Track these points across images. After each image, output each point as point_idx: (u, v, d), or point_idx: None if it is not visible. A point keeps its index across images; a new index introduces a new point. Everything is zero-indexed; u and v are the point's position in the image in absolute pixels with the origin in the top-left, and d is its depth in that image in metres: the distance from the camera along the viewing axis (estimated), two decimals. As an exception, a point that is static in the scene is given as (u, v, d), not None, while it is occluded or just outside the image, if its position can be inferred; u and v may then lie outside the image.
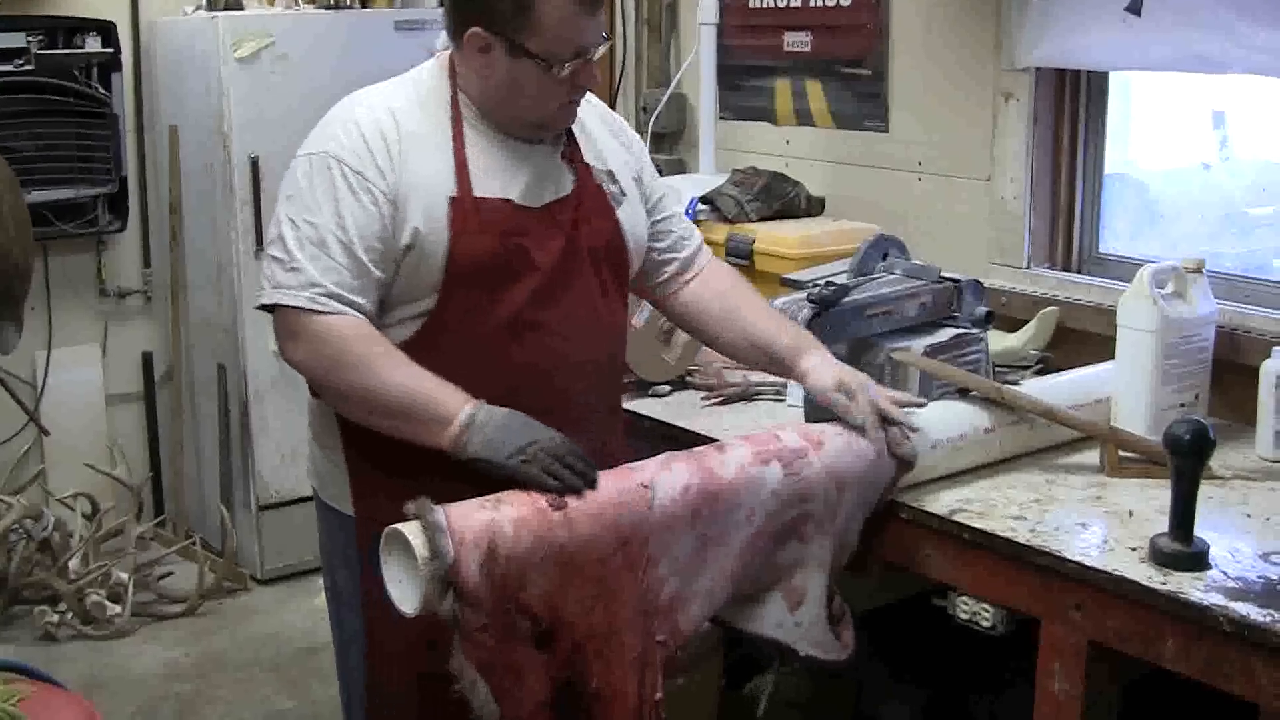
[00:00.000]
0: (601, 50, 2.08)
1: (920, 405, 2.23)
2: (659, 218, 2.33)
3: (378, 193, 2.02)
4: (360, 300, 2.02)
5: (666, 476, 1.94)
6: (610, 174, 2.21)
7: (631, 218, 2.23)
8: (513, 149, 2.12)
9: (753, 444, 2.04)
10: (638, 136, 2.38)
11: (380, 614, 2.03)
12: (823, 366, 2.19)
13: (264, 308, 2.06)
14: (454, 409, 1.95)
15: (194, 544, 4.41)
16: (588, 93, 2.22)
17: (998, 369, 2.67)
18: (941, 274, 2.53)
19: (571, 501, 1.86)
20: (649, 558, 1.91)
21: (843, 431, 2.10)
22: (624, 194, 2.22)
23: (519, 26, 2.00)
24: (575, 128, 2.19)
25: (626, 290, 2.26)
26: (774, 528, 2.02)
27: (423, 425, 1.97)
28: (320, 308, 1.99)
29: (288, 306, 2.01)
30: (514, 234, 2.08)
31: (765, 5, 3.51)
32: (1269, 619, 1.73)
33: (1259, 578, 1.86)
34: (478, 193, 2.07)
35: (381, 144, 2.05)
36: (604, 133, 2.27)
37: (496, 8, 2.00)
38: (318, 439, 2.24)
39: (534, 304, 2.09)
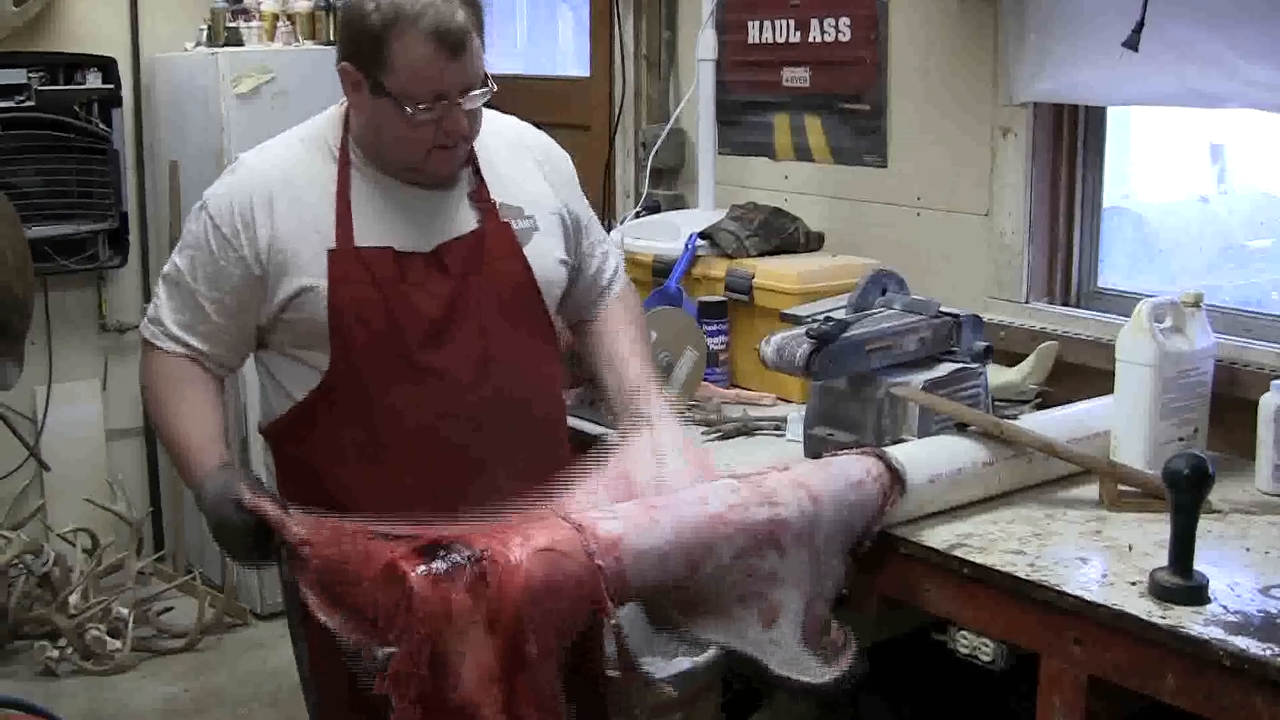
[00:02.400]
0: (476, 99, 2.06)
1: None
2: (585, 243, 2.35)
3: (242, 252, 2.11)
4: (195, 343, 2.16)
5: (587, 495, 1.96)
6: (519, 209, 2.21)
7: (543, 251, 2.22)
8: (403, 192, 2.13)
9: (697, 472, 2.07)
10: (565, 158, 2.37)
11: (320, 646, 2.05)
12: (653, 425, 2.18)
13: None
14: (198, 472, 2.08)
15: (194, 579, 4.41)
16: (508, 118, 2.27)
17: (997, 403, 2.65)
18: (940, 309, 2.52)
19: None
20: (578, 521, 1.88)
21: (811, 462, 2.09)
22: (536, 228, 2.22)
23: (376, 63, 2.02)
24: (485, 162, 2.20)
25: (548, 326, 2.26)
26: (745, 523, 1.96)
27: (183, 471, 2.14)
28: (156, 343, 2.19)
29: (142, 337, 2.23)
30: (395, 282, 2.10)
31: (764, 41, 3.52)
32: (1269, 653, 1.72)
33: (1259, 612, 1.85)
34: (360, 242, 2.10)
35: (263, 200, 2.11)
36: (520, 162, 2.26)
37: (359, 43, 2.03)
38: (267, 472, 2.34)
39: (424, 351, 2.11)
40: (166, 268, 2.22)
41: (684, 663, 2.41)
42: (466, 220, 2.17)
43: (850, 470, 2.09)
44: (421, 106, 2.02)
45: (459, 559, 1.76)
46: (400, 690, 1.75)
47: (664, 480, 2.03)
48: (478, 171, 2.20)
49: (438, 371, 2.12)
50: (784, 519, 1.99)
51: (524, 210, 2.22)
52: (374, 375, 2.11)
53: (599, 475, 2.04)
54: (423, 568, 1.75)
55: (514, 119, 2.35)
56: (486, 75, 2.09)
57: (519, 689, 1.78)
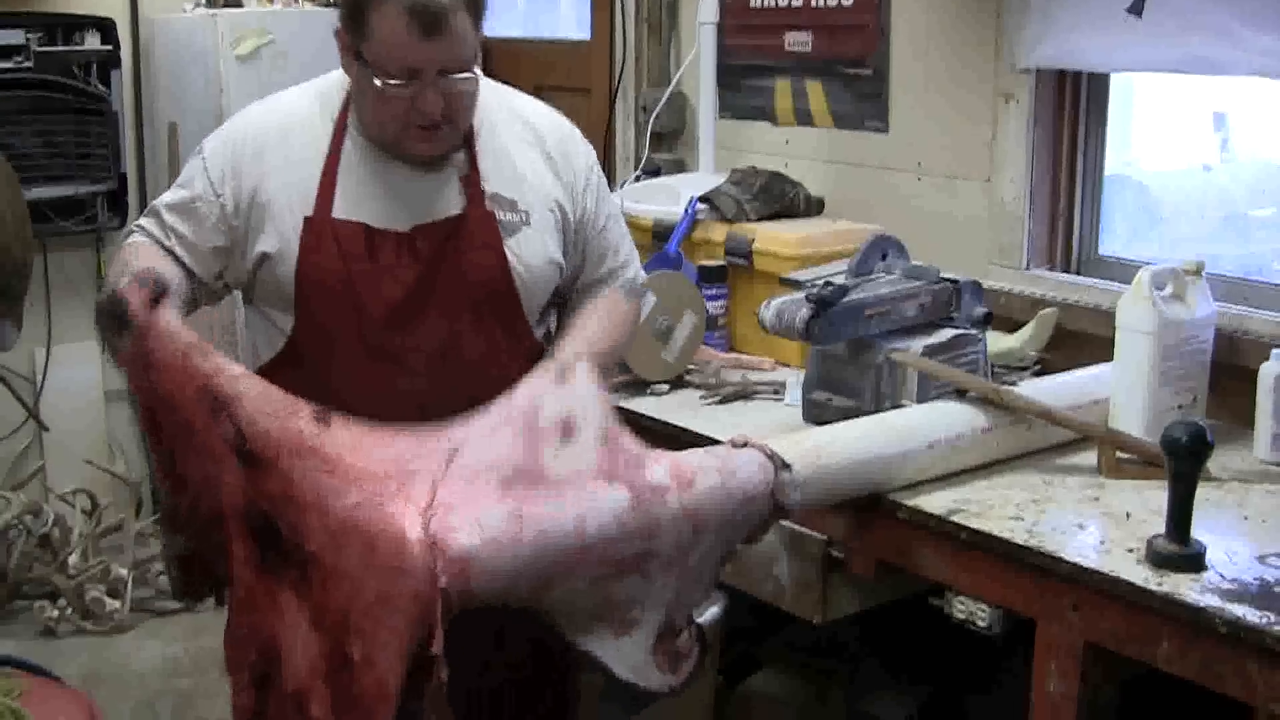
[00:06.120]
0: (455, 82, 2.00)
1: None
2: (591, 248, 2.25)
3: (224, 199, 2.09)
4: (164, 241, 2.12)
5: (483, 441, 1.82)
6: (512, 201, 2.13)
7: (529, 247, 2.14)
8: (392, 167, 2.09)
9: (605, 458, 1.86)
10: (584, 154, 2.26)
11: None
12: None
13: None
14: None
15: (192, 540, 4.41)
16: (534, 104, 2.21)
17: (996, 370, 2.66)
18: (940, 275, 2.52)
19: (336, 422, 1.79)
20: (435, 500, 1.74)
21: (723, 467, 1.95)
22: (526, 223, 2.14)
23: (358, 30, 1.98)
24: (486, 147, 2.13)
25: (522, 325, 2.17)
26: (613, 556, 1.82)
27: None
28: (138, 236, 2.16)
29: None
30: (362, 260, 2.06)
31: (766, 5, 3.50)
32: (1265, 621, 1.73)
33: (1255, 579, 1.85)
34: (337, 214, 2.07)
35: (256, 151, 2.09)
36: (528, 151, 2.18)
37: (344, 9, 2.01)
38: None
39: (383, 333, 2.08)
40: (154, 201, 2.19)
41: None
42: (451, 204, 2.11)
43: (748, 485, 1.95)
44: (393, 82, 1.97)
45: (286, 554, 1.74)
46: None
47: (561, 472, 1.83)
48: (473, 157, 2.13)
49: (394, 356, 2.08)
50: (653, 551, 1.86)
51: (517, 203, 2.14)
52: (331, 349, 2.08)
53: (503, 415, 1.86)
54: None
55: (539, 104, 2.27)
56: (474, 57, 2.02)
57: (343, 687, 1.73)
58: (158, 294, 1.86)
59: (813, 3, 3.38)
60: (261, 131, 2.12)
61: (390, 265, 2.08)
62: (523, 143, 2.18)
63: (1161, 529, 1.92)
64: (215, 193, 2.10)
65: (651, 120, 3.75)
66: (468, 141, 2.13)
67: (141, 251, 2.09)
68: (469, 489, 1.77)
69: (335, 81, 2.14)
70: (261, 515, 1.78)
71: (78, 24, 4.29)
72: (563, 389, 1.87)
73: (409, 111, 2.00)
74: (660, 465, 1.90)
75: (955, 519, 2.08)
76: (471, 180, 2.12)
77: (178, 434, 1.84)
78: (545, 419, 1.84)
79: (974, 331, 2.50)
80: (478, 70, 2.04)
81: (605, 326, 2.23)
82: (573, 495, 1.80)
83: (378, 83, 1.98)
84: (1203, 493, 1.95)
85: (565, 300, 2.29)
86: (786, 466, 1.98)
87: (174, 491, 1.90)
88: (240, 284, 2.18)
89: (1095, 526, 2.06)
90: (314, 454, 1.76)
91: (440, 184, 2.11)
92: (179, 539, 1.93)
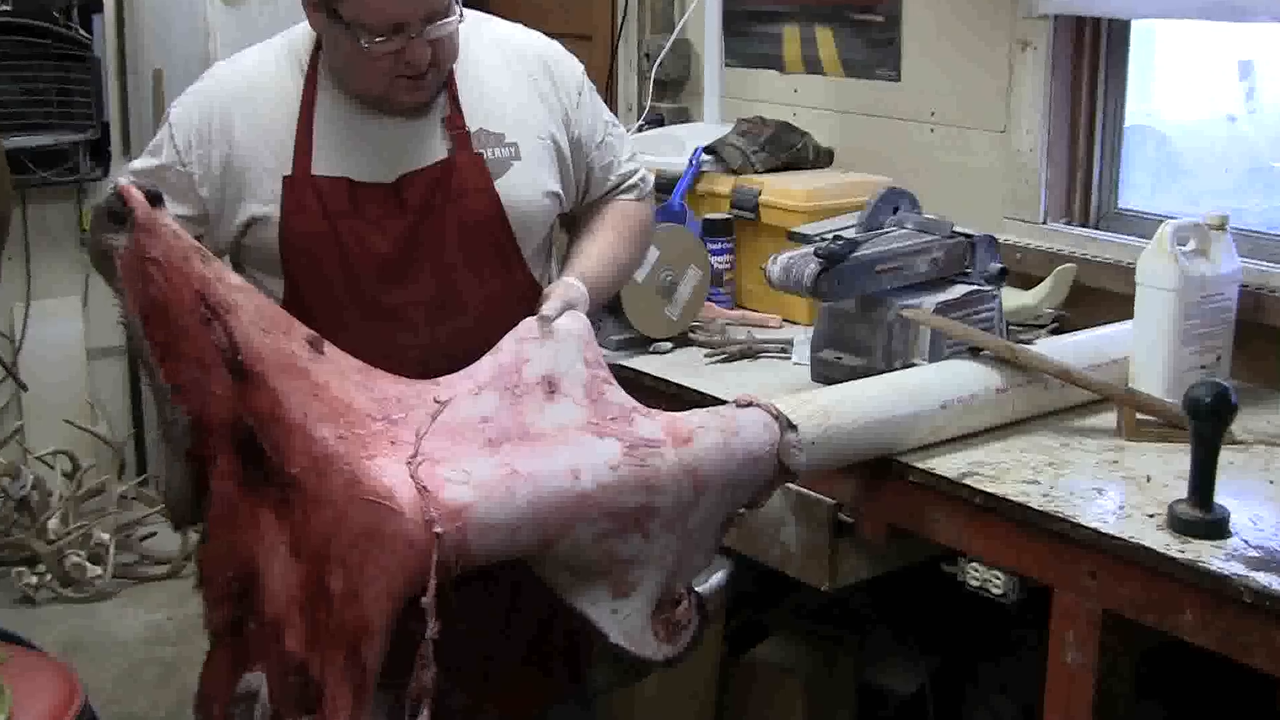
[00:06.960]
0: (440, 28, 1.96)
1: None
2: (599, 165, 2.24)
3: (191, 168, 2.06)
4: None
5: (469, 401, 1.84)
6: (499, 136, 2.10)
7: (522, 183, 2.11)
8: (369, 117, 2.06)
9: (592, 413, 1.88)
10: (573, 71, 2.23)
11: None
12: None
13: None
14: None
15: (178, 502, 4.38)
16: (512, 28, 2.18)
17: (1011, 327, 2.63)
18: (954, 229, 2.50)
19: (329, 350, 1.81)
20: (420, 450, 1.76)
21: (726, 427, 1.93)
22: (516, 158, 2.11)
23: None
24: (467, 82, 2.10)
25: (520, 266, 2.14)
26: (614, 507, 1.81)
27: None
28: None
29: None
30: (347, 216, 2.03)
31: (773, -51, 3.48)
32: (1291, 589, 1.70)
33: (1282, 546, 1.83)
34: (317, 170, 2.03)
35: (224, 117, 2.06)
36: (512, 80, 2.15)
37: None
38: None
39: (376, 289, 2.05)
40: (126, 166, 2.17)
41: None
42: (435, 150, 2.08)
43: (752, 445, 1.93)
44: (378, 39, 1.93)
45: (268, 474, 1.72)
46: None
47: (547, 430, 1.85)
48: (454, 96, 2.10)
49: (390, 311, 2.06)
50: (655, 507, 1.85)
51: (504, 137, 2.11)
52: (323, 310, 2.05)
53: (490, 372, 1.90)
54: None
55: (518, 28, 2.24)
56: (454, 1, 1.99)
57: (320, 620, 1.71)
58: (155, 197, 1.80)
59: (822, -54, 3.36)
60: (227, 95, 2.08)
61: (377, 218, 2.05)
62: (505, 72, 2.15)
63: (1183, 493, 1.89)
64: (182, 162, 2.07)
65: (655, 68, 3.74)
66: (446, 80, 2.09)
67: None
68: (454, 446, 1.77)
69: (303, 34, 2.10)
70: (247, 430, 1.76)
71: (58, -33, 4.25)
72: (548, 342, 1.91)
73: (395, 64, 1.97)
74: (652, 420, 1.89)
75: (969, 482, 2.06)
76: (454, 121, 2.08)
77: (169, 341, 1.80)
78: (529, 377, 1.87)
79: (989, 288, 2.48)
80: (459, 9, 2.00)
81: (612, 241, 2.22)
82: (562, 449, 1.80)
83: (362, 42, 1.93)
84: (1226, 456, 1.93)
85: (575, 220, 2.28)
86: (793, 427, 1.96)
87: (173, 401, 1.85)
88: (223, 252, 2.14)
89: (1114, 491, 2.03)
90: (304, 376, 1.75)
91: (422, 129, 2.08)
92: (179, 463, 1.87)
